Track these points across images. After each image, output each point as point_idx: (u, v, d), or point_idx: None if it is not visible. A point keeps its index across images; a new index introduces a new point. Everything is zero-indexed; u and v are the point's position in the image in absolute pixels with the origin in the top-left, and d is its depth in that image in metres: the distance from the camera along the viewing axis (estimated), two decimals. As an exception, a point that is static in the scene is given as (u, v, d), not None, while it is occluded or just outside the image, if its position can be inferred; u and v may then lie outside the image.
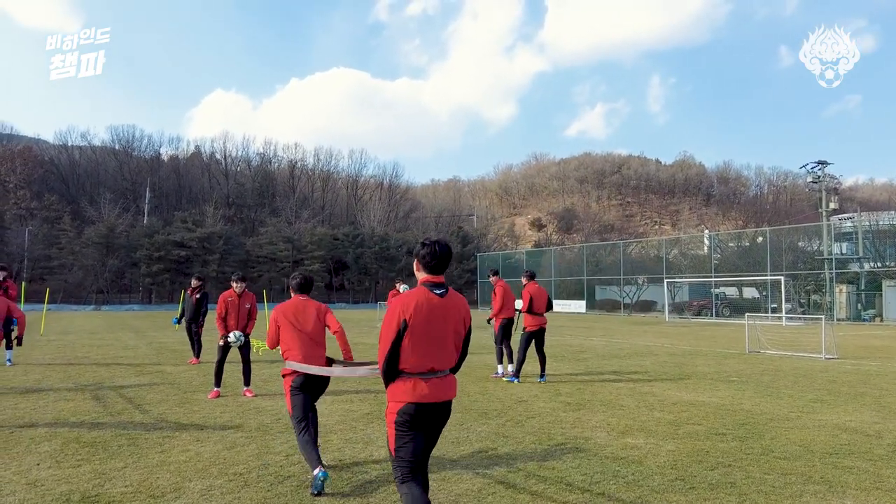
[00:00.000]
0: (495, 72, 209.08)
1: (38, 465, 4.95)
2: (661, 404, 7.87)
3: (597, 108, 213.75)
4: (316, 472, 4.33)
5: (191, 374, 10.49)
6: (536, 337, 9.73)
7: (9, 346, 11.59)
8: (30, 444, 5.55)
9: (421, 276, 3.34)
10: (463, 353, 3.45)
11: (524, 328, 9.74)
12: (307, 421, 4.70)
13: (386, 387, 3.29)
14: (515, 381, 9.44)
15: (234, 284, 8.52)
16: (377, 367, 3.37)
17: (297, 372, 4.81)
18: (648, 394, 8.69)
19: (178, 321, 12.28)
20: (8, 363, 11.46)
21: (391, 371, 3.22)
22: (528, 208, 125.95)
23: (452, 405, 3.45)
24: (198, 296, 12.18)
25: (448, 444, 5.73)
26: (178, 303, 12.36)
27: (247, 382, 8.49)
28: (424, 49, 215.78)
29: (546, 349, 15.19)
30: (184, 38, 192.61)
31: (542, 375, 9.70)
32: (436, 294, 3.25)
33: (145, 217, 65.36)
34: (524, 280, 10.08)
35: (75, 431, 6.05)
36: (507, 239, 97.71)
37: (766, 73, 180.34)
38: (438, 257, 3.30)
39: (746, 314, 18.52)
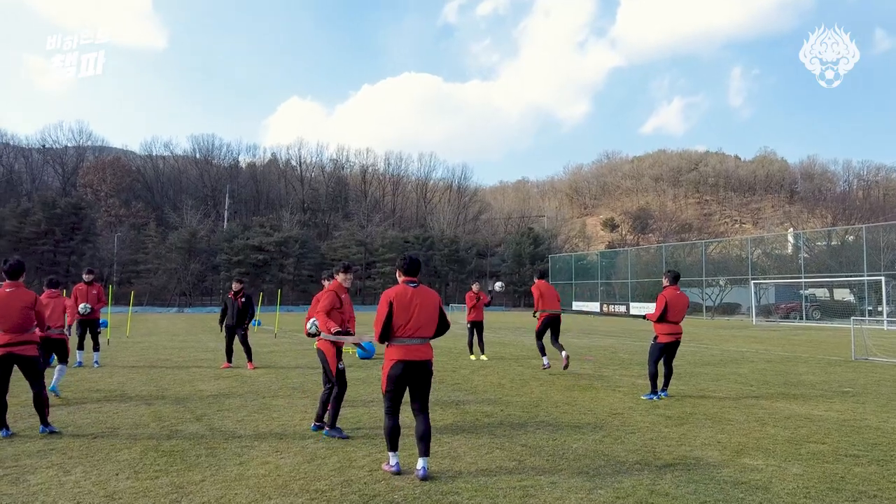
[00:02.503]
0: (568, 69, 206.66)
1: (117, 475, 4.77)
2: (773, 418, 7.10)
3: (674, 102, 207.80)
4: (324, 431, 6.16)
5: (269, 378, 10.36)
6: (669, 349, 8.59)
7: (96, 349, 11.87)
8: (110, 452, 5.41)
9: (401, 277, 5.09)
10: (442, 325, 5.08)
11: (655, 337, 8.63)
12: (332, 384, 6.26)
13: (385, 347, 4.96)
14: (654, 398, 8.40)
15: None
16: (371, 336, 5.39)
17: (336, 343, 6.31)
18: (755, 406, 7.90)
19: (221, 325, 12.11)
20: (95, 365, 11.70)
21: (385, 336, 4.88)
22: (599, 208, 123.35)
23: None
24: (243, 299, 11.97)
25: (543, 460, 5.23)
26: (258, 306, 12.30)
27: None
28: (495, 48, 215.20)
29: (630, 355, 14.58)
30: (261, 48, 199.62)
31: (663, 389, 8.66)
32: (411, 287, 5.00)
33: (225, 222, 67.63)
34: (665, 282, 8.69)
35: (154, 439, 5.89)
36: (577, 240, 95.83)
37: (860, 59, 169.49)
38: (410, 265, 5.10)
39: (852, 318, 17.11)
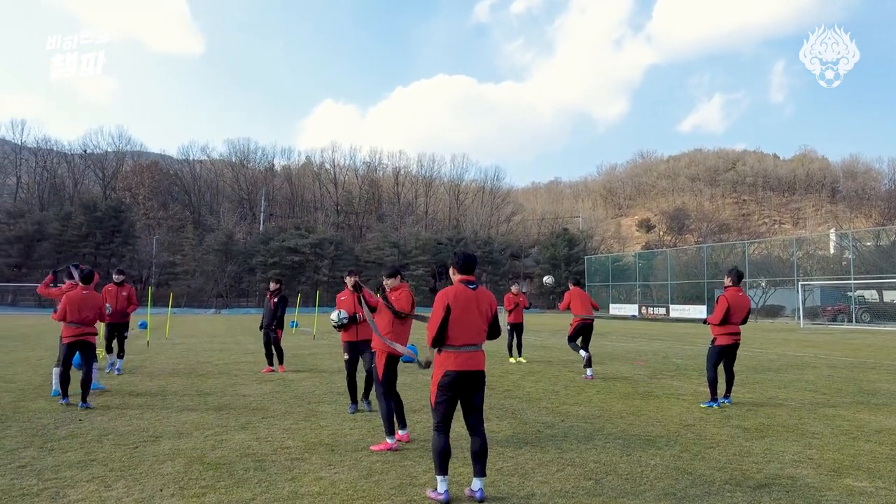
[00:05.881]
0: (603, 67, 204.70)
1: (161, 490, 4.41)
2: (862, 432, 6.47)
3: (714, 99, 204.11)
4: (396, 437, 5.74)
5: (313, 382, 10.02)
6: (728, 352, 8.12)
7: (120, 355, 11.07)
8: (153, 464, 5.07)
9: (456, 276, 4.54)
10: (496, 330, 4.59)
11: (713, 340, 8.14)
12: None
13: (438, 353, 4.38)
14: (713, 405, 7.86)
15: (347, 280, 7.82)
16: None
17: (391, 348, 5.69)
18: (837, 417, 7.27)
19: (261, 327, 11.76)
20: (116, 372, 10.84)
21: (438, 342, 4.34)
22: (634, 209, 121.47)
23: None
24: (275, 300, 11.48)
25: (622, 479, 4.74)
26: (295, 307, 11.92)
27: (366, 395, 7.83)
28: (528, 47, 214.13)
29: (684, 360, 13.92)
30: (295, 53, 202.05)
31: (726, 396, 8.15)
32: (469, 288, 4.45)
33: (261, 225, 68.16)
34: (728, 282, 8.13)
35: (198, 450, 5.54)
36: (612, 241, 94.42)
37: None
38: (466, 262, 4.54)
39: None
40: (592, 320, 11.06)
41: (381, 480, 4.67)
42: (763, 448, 5.76)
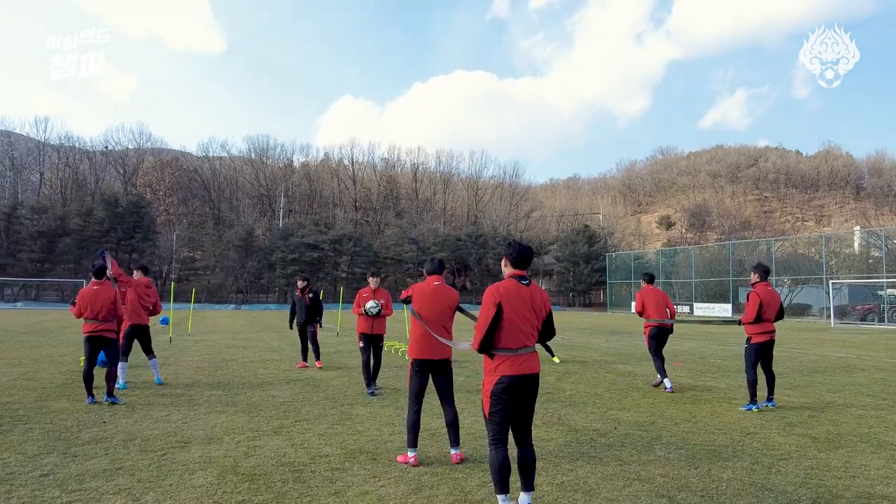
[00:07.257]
0: (624, 62, 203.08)
1: (194, 505, 4.03)
2: (943, 443, 5.96)
3: (737, 94, 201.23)
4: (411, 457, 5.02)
5: (343, 381, 9.65)
6: (765, 350, 7.64)
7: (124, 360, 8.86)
8: (183, 474, 4.69)
9: (508, 270, 4.12)
10: (550, 331, 4.18)
11: (748, 339, 7.72)
12: (420, 404, 5.20)
13: (490, 357, 3.95)
14: (753, 408, 7.45)
15: (369, 280, 8.90)
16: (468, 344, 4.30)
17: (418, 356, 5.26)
18: (910, 426, 6.75)
19: (291, 324, 11.62)
20: (122, 385, 8.74)
21: (486, 346, 3.91)
22: (654, 206, 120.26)
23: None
24: (310, 295, 11.56)
25: (697, 496, 4.28)
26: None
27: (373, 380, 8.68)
28: (548, 42, 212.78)
29: (723, 360, 13.38)
30: (315, 49, 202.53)
31: (769, 399, 7.71)
32: (523, 284, 4.01)
33: (280, 221, 68.16)
34: (755, 278, 7.74)
35: (231, 457, 5.16)
36: (632, 238, 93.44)
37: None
38: (522, 255, 4.10)
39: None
40: (671, 325, 9.34)
41: (433, 496, 4.25)
42: (842, 461, 5.27)
